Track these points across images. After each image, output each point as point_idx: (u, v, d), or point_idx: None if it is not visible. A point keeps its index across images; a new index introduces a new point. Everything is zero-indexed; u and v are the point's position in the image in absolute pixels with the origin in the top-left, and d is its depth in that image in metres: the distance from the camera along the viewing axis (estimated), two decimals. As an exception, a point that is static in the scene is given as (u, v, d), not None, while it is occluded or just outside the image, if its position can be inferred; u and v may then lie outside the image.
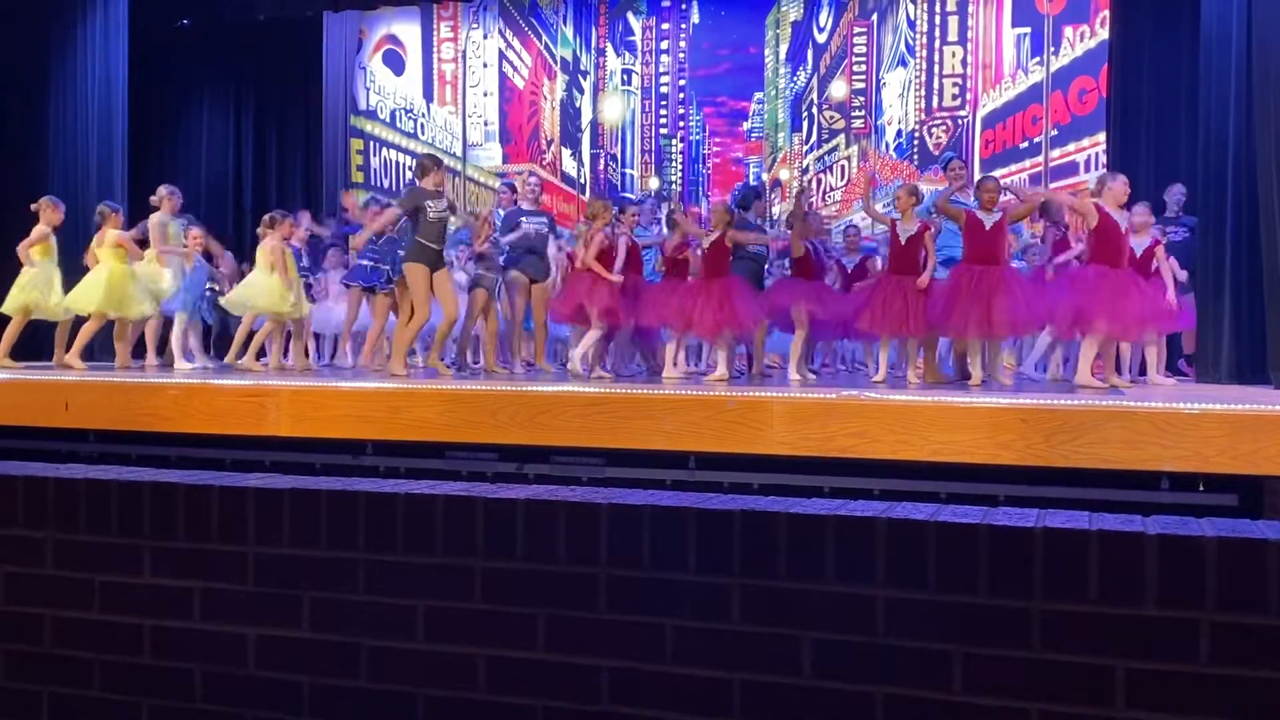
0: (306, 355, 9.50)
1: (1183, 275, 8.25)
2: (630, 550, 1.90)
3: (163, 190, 9.53)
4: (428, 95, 13.82)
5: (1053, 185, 11.33)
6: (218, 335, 10.08)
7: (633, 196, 12.67)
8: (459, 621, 2.00)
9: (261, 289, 8.65)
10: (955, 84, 12.06)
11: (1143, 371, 8.19)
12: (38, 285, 8.90)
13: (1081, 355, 7.05)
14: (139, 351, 9.69)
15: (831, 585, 1.80)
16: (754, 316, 7.96)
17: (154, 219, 9.40)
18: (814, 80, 12.70)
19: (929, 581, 1.76)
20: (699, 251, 8.14)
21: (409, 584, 2.03)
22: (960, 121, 12.00)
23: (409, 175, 13.76)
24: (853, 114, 12.55)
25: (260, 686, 2.11)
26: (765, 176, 12.95)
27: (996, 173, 11.30)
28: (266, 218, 8.93)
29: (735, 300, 7.78)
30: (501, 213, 9.23)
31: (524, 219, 8.82)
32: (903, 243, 7.60)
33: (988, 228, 7.32)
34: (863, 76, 12.49)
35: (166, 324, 9.48)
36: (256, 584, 2.12)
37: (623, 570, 1.91)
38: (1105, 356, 7.21)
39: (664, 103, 13.28)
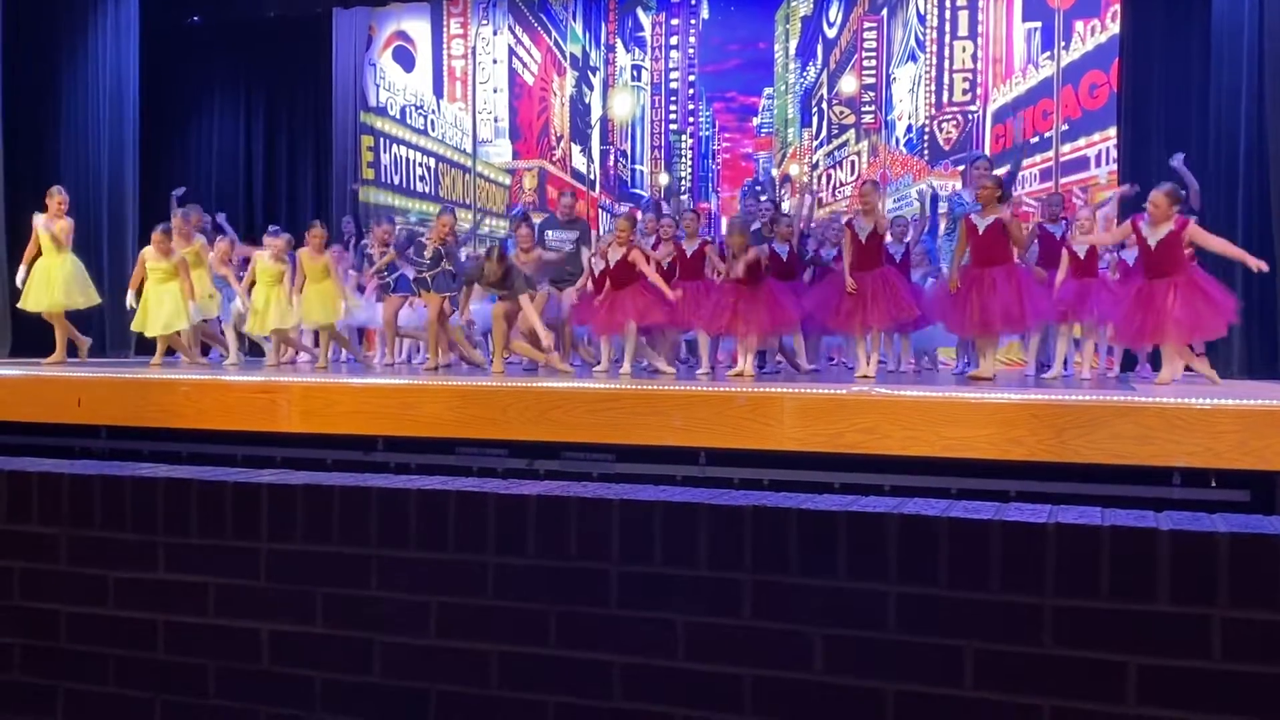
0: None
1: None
2: (641, 546, 1.91)
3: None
4: (438, 92, 13.82)
5: (1063, 180, 11.29)
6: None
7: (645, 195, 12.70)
8: (471, 617, 2.00)
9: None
10: (965, 79, 12.01)
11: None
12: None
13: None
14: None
15: (843, 581, 1.80)
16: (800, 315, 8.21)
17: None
18: (824, 75, 12.67)
19: (940, 577, 1.76)
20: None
21: (421, 580, 2.03)
22: (970, 116, 11.96)
23: (419, 172, 13.80)
24: (863, 109, 12.51)
25: (273, 682, 2.12)
26: (775, 172, 12.93)
27: (1004, 170, 11.27)
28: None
29: (781, 301, 7.94)
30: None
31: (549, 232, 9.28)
32: (863, 241, 7.69)
33: (980, 232, 7.19)
34: (873, 71, 12.45)
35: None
36: (270, 580, 2.13)
37: (634, 566, 1.91)
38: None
39: (673, 98, 13.26)
